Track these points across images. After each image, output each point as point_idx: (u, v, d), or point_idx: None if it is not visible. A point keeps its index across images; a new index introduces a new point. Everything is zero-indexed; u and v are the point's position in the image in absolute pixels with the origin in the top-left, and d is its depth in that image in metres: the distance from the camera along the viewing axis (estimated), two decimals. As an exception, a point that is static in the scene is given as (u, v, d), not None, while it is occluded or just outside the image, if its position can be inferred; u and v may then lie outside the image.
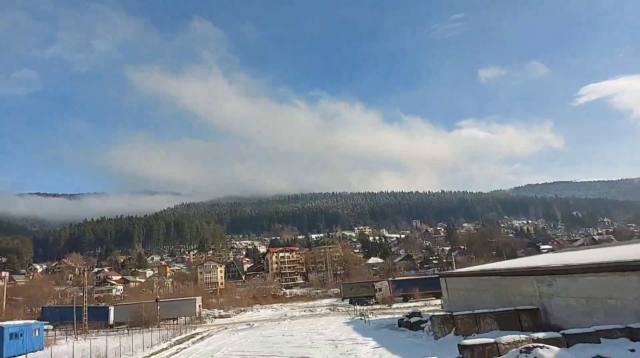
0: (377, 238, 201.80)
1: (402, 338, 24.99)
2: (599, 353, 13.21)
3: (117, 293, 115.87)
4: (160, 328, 46.81)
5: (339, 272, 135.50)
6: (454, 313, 22.94)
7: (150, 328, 46.65)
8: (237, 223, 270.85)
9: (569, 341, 14.56)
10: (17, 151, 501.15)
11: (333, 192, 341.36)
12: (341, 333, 29.96)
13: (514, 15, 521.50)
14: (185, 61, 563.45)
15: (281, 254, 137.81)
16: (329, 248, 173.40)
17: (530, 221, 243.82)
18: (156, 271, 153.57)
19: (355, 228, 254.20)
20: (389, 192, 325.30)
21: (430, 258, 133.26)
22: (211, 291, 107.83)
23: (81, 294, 60.39)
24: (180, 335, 37.53)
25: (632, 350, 13.28)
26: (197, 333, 38.54)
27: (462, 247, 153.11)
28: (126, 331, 46.71)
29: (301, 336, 30.18)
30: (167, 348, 30.11)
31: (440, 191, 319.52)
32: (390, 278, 59.90)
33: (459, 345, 15.25)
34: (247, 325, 42.84)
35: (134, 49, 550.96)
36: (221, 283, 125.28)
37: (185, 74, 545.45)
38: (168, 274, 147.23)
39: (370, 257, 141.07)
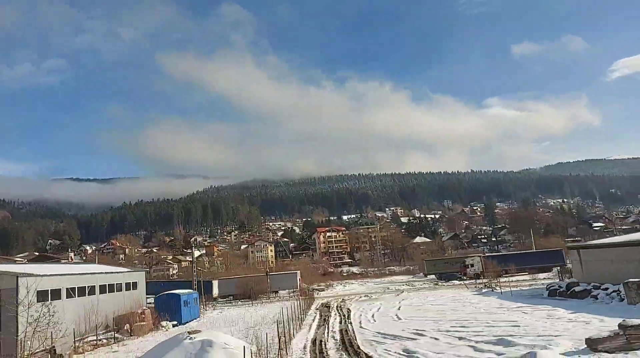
0: (410, 218, 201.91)
1: (585, 305, 25.65)
2: None
3: (173, 272, 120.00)
4: (272, 300, 48.82)
5: (384, 252, 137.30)
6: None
7: (260, 300, 48.67)
8: (267, 205, 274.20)
9: None
10: (52, 138, 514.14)
11: (360, 173, 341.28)
12: (495, 303, 30.76)
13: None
14: (217, 45, 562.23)
15: (328, 234, 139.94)
16: (368, 228, 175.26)
17: (565, 200, 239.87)
18: (203, 251, 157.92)
19: (387, 209, 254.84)
20: (416, 173, 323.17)
21: (479, 236, 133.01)
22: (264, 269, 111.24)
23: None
24: (313, 303, 39.19)
25: None
26: (343, 301, 40.08)
27: (506, 226, 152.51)
28: (239, 302, 48.87)
29: (453, 306, 31.11)
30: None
31: (469, 171, 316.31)
32: (482, 254, 60.64)
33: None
34: (365, 296, 44.28)
35: (166, 34, 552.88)
36: (271, 262, 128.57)
37: (216, 58, 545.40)
38: (215, 253, 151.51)
39: (416, 237, 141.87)
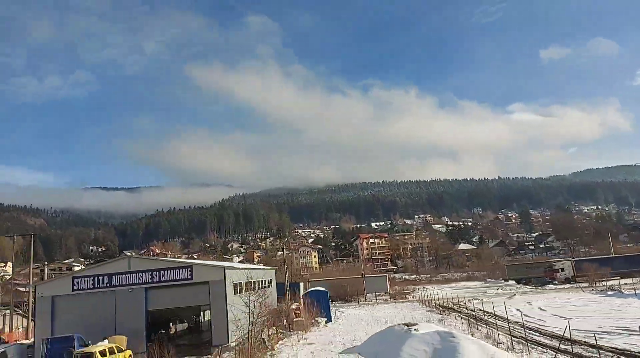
0: (447, 225, 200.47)
1: None
2: None
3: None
4: (368, 302, 49.21)
5: (427, 258, 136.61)
6: None
7: (354, 302, 49.07)
8: (295, 213, 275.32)
9: None
10: (80, 149, 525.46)
11: (384, 181, 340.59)
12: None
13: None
14: (242, 56, 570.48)
15: (371, 240, 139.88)
16: (404, 235, 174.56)
17: (599, 207, 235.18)
18: (241, 258, 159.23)
19: (416, 216, 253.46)
20: (442, 179, 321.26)
21: (526, 243, 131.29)
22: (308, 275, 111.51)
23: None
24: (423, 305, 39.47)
25: None
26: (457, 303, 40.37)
27: (547, 233, 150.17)
28: (336, 303, 49.33)
29: (604, 307, 30.96)
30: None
31: (497, 178, 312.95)
32: (573, 258, 60.14)
33: None
34: (474, 298, 44.18)
35: (192, 46, 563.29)
36: (315, 268, 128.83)
37: (241, 68, 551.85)
38: (255, 259, 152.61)
39: (459, 244, 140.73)
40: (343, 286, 51.22)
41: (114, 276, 24.64)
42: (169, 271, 24.58)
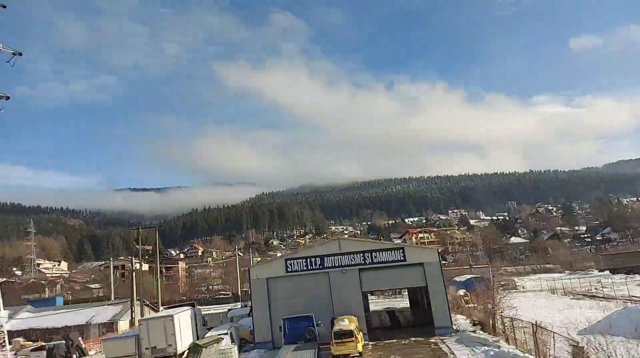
0: (496, 219, 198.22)
1: None
2: None
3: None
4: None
5: (475, 253, 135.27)
6: None
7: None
8: (326, 209, 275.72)
9: None
10: (110, 151, 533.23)
11: (411, 176, 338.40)
12: None
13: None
14: (268, 53, 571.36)
15: (420, 235, 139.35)
16: (447, 230, 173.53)
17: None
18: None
19: (449, 211, 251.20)
20: (471, 174, 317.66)
21: (582, 236, 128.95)
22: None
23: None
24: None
25: None
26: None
27: (602, 224, 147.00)
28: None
29: None
30: None
31: (528, 171, 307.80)
32: None
33: None
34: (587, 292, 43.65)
35: (219, 45, 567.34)
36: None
37: (267, 66, 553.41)
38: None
39: (510, 237, 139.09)
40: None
41: (325, 258, 25.06)
42: (381, 252, 24.89)
